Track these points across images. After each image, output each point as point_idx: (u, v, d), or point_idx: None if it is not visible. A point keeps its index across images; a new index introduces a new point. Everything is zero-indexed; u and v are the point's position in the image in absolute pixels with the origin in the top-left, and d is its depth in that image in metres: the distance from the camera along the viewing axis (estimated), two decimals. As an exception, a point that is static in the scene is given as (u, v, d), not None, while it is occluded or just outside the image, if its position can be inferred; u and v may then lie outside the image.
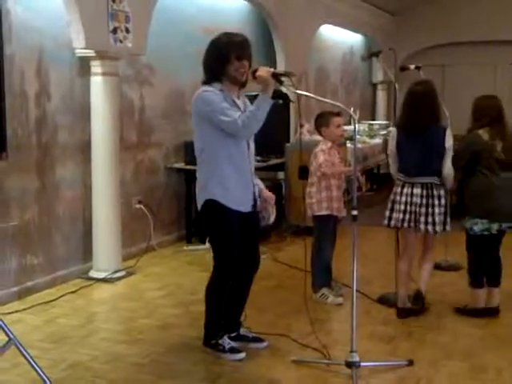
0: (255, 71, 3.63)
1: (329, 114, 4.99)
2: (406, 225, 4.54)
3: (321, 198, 4.91)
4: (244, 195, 3.83)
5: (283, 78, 3.70)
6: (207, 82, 3.79)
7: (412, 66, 5.72)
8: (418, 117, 4.44)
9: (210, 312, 3.96)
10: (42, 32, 5.14)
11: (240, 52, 3.71)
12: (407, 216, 4.52)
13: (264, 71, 3.59)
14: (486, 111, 4.51)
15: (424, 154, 4.44)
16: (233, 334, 4.03)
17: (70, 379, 3.62)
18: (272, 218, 4.08)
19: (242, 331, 4.08)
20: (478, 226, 4.47)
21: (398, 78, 5.17)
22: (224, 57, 3.70)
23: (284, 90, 3.87)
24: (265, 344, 4.06)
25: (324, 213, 4.92)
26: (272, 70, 3.63)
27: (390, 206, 4.62)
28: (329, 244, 5.01)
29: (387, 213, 4.62)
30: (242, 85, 3.79)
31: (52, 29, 5.22)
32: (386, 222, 4.64)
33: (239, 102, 3.80)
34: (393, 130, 4.70)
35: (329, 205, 4.92)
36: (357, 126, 3.91)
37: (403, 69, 5.68)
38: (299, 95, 3.73)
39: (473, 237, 4.54)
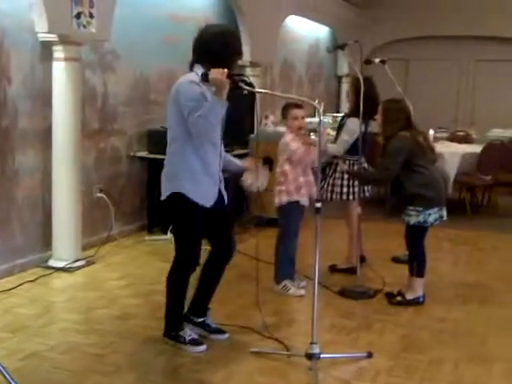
0: (207, 74, 3.51)
1: (288, 106, 4.97)
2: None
3: (290, 187, 4.90)
4: (210, 191, 3.81)
5: (237, 78, 3.60)
6: (192, 65, 3.76)
7: (377, 60, 5.76)
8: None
9: (171, 303, 3.94)
10: (2, 14, 5.02)
11: (239, 56, 3.88)
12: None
13: (218, 73, 3.50)
14: (401, 114, 4.76)
15: None
16: (199, 320, 4.03)
17: (27, 369, 3.57)
18: (262, 183, 4.15)
19: (207, 320, 4.07)
20: (432, 216, 4.66)
21: (363, 71, 5.19)
22: (238, 51, 3.83)
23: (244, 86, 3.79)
24: (226, 336, 4.06)
25: (294, 199, 4.91)
26: (226, 70, 3.52)
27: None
28: (294, 235, 5.02)
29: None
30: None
31: (14, 11, 5.11)
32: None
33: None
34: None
35: (298, 192, 4.92)
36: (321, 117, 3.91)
37: (368, 62, 5.72)
38: (257, 90, 3.71)
39: (423, 228, 4.73)
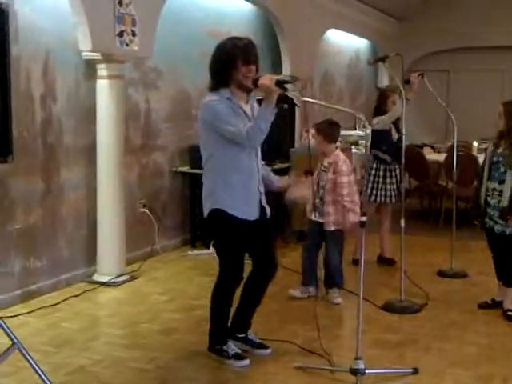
0: (257, 80, 3.56)
1: (331, 124, 5.14)
2: None
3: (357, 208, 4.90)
4: (251, 204, 3.80)
5: (287, 85, 3.60)
6: (214, 88, 3.73)
7: (413, 78, 5.55)
8: None
9: (215, 317, 3.94)
10: (48, 33, 5.13)
11: (246, 56, 3.65)
12: None
13: (267, 79, 3.51)
14: None
15: None
16: (241, 335, 4.02)
17: (73, 384, 3.61)
18: (306, 197, 4.35)
19: (250, 335, 4.06)
20: None
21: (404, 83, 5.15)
22: (230, 62, 3.65)
23: (289, 95, 3.81)
24: (269, 351, 4.03)
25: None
26: (275, 77, 3.54)
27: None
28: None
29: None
30: (250, 89, 3.74)
31: (59, 30, 5.22)
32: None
33: (247, 109, 3.74)
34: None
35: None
36: (363, 130, 3.89)
37: (407, 82, 5.59)
38: (305, 99, 3.69)
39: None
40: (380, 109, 5.95)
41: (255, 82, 3.57)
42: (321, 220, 5.01)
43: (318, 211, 5.01)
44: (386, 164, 5.90)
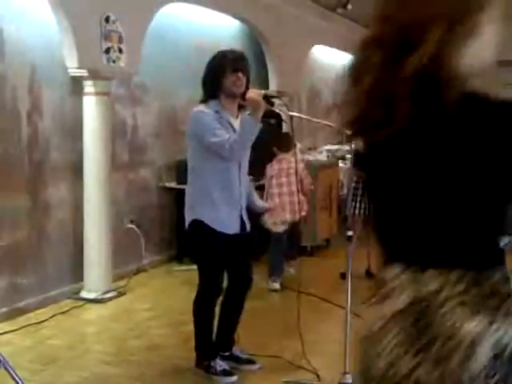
0: (244, 93, 3.59)
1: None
2: None
3: None
4: (231, 218, 3.81)
5: (275, 100, 3.65)
6: (205, 100, 3.77)
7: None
8: None
9: (199, 331, 3.93)
10: (34, 50, 5.14)
11: (234, 65, 3.70)
12: None
13: (255, 93, 3.55)
14: None
15: None
16: (226, 353, 4.00)
17: (60, 402, 3.58)
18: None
19: (236, 351, 4.05)
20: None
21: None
22: (219, 71, 3.70)
23: (276, 110, 3.84)
24: (257, 366, 4.03)
25: None
26: (263, 91, 3.59)
27: None
28: None
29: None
30: (241, 105, 3.77)
31: (45, 47, 5.23)
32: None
33: (235, 123, 3.76)
34: None
35: None
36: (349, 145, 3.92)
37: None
38: (293, 113, 3.72)
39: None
40: None
41: (243, 95, 3.60)
42: None
43: None
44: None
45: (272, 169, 5.98)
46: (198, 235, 3.81)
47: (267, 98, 3.57)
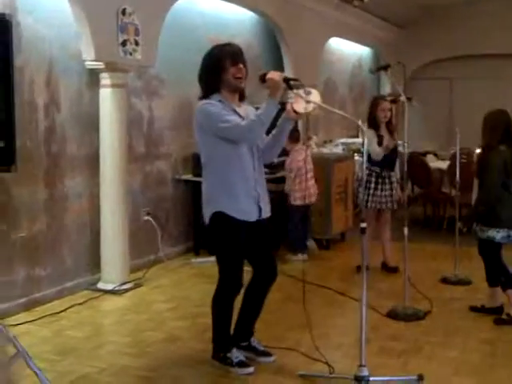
0: (265, 74, 3.59)
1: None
2: None
3: None
4: (249, 204, 3.80)
5: (295, 83, 3.61)
6: (205, 95, 3.77)
7: (402, 98, 5.55)
8: None
9: (217, 324, 3.94)
10: (51, 43, 5.17)
11: (234, 57, 3.71)
12: None
13: (275, 74, 3.57)
14: (501, 126, 4.70)
15: None
16: (244, 343, 4.01)
17: (77, 392, 3.61)
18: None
19: (254, 342, 4.06)
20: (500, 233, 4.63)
21: (406, 91, 5.16)
22: (219, 65, 3.70)
23: (291, 98, 3.78)
24: (272, 358, 4.03)
25: None
26: (284, 74, 3.62)
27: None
28: None
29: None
30: (242, 96, 3.80)
31: (62, 40, 5.25)
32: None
33: (240, 110, 3.77)
34: None
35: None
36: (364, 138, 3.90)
37: (394, 102, 5.80)
38: (307, 110, 3.67)
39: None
40: (371, 116, 6.02)
41: (263, 76, 3.60)
42: None
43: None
44: (377, 172, 5.96)
45: (296, 160, 6.57)
46: (221, 227, 3.80)
47: (287, 81, 3.57)
